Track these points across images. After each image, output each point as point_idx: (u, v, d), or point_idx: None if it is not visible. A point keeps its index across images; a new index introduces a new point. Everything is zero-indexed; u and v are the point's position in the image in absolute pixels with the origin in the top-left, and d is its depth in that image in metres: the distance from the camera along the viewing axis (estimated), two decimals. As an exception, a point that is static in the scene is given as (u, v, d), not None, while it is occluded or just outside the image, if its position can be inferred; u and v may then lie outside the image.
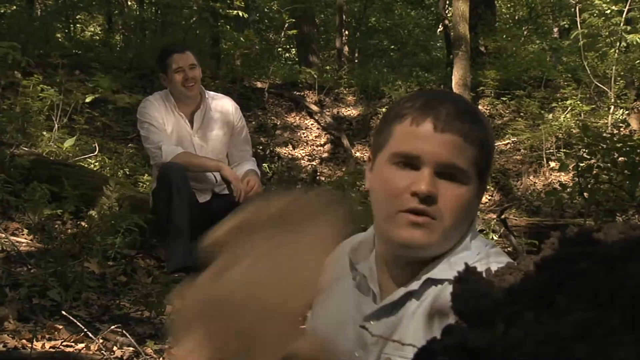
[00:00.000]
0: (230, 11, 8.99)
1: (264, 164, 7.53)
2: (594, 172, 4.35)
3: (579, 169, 4.41)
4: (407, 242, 1.12)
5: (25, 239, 3.72)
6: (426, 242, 1.12)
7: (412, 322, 1.13)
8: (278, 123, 10.01)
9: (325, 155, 9.75)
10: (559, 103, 9.39)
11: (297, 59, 13.80)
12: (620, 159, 4.27)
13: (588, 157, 4.38)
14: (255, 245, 0.94)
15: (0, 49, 5.52)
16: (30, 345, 2.34)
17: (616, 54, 8.40)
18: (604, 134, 4.74)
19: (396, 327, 1.14)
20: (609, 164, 4.26)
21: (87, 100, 6.13)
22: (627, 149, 4.23)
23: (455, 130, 1.11)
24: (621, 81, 8.88)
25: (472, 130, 1.12)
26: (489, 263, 1.09)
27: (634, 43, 8.15)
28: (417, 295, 1.13)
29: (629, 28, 8.20)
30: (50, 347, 2.42)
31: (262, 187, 3.87)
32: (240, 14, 8.95)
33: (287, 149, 9.55)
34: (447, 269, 1.12)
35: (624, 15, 8.31)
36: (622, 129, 8.09)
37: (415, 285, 1.13)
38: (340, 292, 1.25)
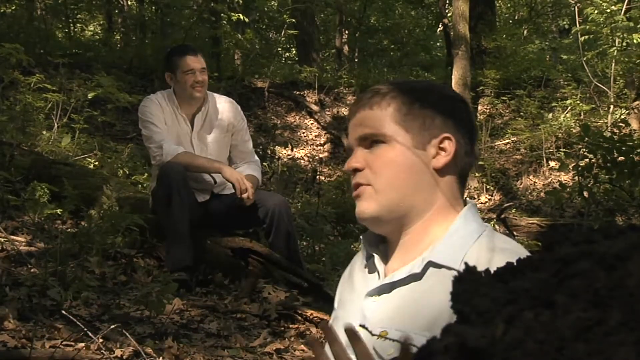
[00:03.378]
0: (233, 14, 8.98)
1: (263, 164, 7.53)
2: (594, 172, 4.35)
3: (579, 168, 4.41)
4: (356, 216, 1.22)
5: (25, 238, 3.72)
6: (368, 210, 1.19)
7: (416, 302, 1.15)
8: (278, 123, 10.01)
9: (325, 155, 9.75)
10: (559, 103, 9.39)
11: (297, 59, 13.81)
12: (620, 158, 4.27)
13: (588, 155, 4.38)
14: None
15: (4, 50, 5.53)
16: (30, 345, 2.34)
17: (615, 53, 8.40)
18: (604, 133, 4.74)
19: (394, 303, 1.18)
20: (609, 164, 4.26)
21: (90, 96, 6.14)
22: (626, 148, 4.22)
23: (361, 107, 1.20)
24: (621, 81, 8.88)
25: (379, 98, 1.19)
26: (493, 250, 1.11)
27: (635, 42, 8.15)
28: (418, 277, 1.16)
29: (631, 24, 8.19)
30: (50, 347, 2.42)
31: (260, 187, 3.86)
32: (241, 17, 8.94)
33: (287, 149, 9.56)
34: (446, 252, 1.15)
35: (622, 13, 8.30)
36: (622, 129, 8.09)
37: (417, 268, 1.16)
38: (354, 274, 1.32)
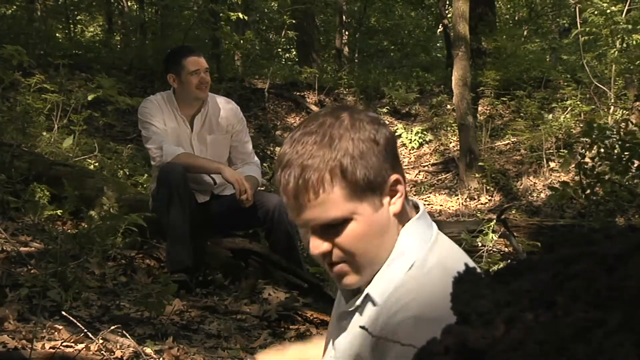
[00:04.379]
0: (232, 14, 8.98)
1: (264, 165, 7.54)
2: (596, 170, 4.35)
3: (582, 166, 4.41)
4: (343, 287, 1.20)
5: (26, 239, 3.72)
6: (354, 283, 1.18)
7: (349, 334, 1.20)
8: (278, 123, 10.01)
9: (325, 155, 9.73)
10: (559, 103, 9.39)
11: (297, 60, 13.81)
12: (626, 153, 4.26)
13: (591, 150, 4.37)
14: None
15: (5, 51, 5.54)
16: (30, 346, 2.34)
17: (616, 54, 8.39)
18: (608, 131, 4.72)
19: (346, 334, 1.22)
20: (614, 156, 4.24)
21: (90, 98, 6.14)
22: (630, 144, 4.22)
23: (302, 195, 1.11)
24: (620, 81, 8.87)
25: (319, 181, 1.10)
26: (419, 279, 1.12)
27: (635, 43, 8.14)
28: (360, 310, 1.20)
29: (630, 27, 8.19)
30: (50, 348, 2.42)
31: (260, 187, 3.87)
32: (241, 16, 8.95)
33: (287, 150, 9.55)
34: (379, 286, 1.16)
35: (623, 14, 8.30)
36: (622, 130, 8.08)
37: (359, 301, 1.20)
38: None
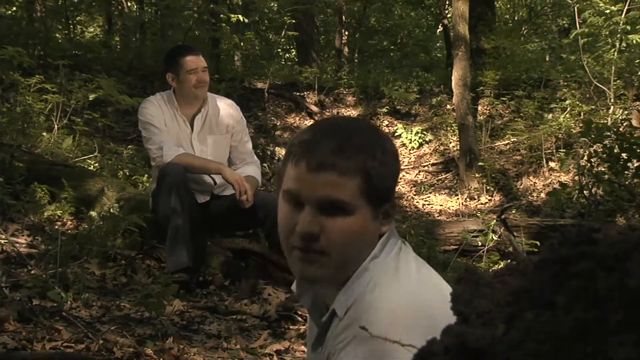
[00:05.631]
0: (232, 15, 8.98)
1: (263, 165, 7.53)
2: (595, 170, 4.35)
3: (581, 166, 4.41)
4: (301, 276, 1.21)
5: (25, 240, 3.72)
6: (319, 276, 1.19)
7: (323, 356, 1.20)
8: (278, 123, 10.01)
9: (325, 155, 9.73)
10: (559, 103, 9.39)
11: (297, 60, 13.81)
12: (623, 154, 4.25)
13: (591, 147, 4.37)
14: None
15: (6, 53, 5.54)
16: (30, 346, 2.34)
17: (615, 54, 8.39)
18: (605, 133, 4.72)
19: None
20: (612, 156, 4.24)
21: (91, 97, 6.15)
22: (629, 144, 4.22)
23: (329, 168, 1.15)
24: (618, 81, 8.87)
25: (350, 164, 1.15)
26: (372, 291, 1.14)
27: (634, 42, 8.14)
28: (327, 327, 1.21)
29: (629, 28, 8.19)
30: (50, 348, 2.42)
31: (259, 188, 3.86)
32: (241, 18, 8.95)
33: (287, 150, 9.54)
34: (340, 301, 1.18)
35: (623, 14, 8.30)
36: (622, 129, 8.07)
37: (325, 317, 1.21)
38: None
